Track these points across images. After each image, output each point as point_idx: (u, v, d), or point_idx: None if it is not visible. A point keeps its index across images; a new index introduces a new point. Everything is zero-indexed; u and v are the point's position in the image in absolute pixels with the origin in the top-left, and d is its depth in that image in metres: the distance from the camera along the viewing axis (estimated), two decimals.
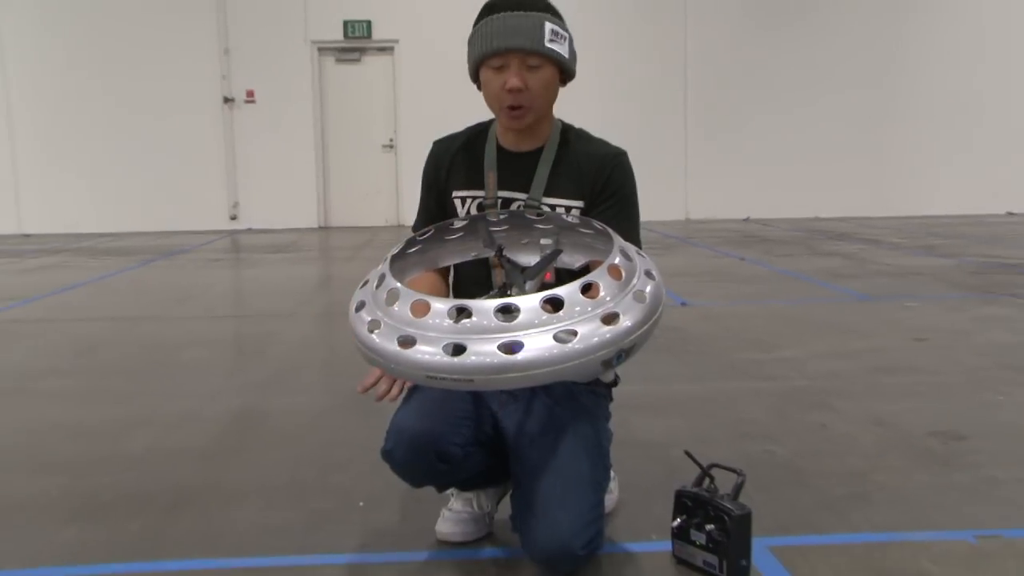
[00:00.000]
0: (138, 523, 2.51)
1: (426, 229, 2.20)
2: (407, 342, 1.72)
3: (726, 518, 2.03)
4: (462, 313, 1.72)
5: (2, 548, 2.37)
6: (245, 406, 3.76)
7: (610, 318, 1.75)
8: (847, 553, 2.24)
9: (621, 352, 1.76)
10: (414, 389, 2.24)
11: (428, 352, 1.70)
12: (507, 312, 1.71)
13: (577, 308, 1.74)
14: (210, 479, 2.86)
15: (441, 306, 1.75)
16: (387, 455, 2.16)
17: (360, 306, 1.86)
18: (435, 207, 2.39)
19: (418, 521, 2.43)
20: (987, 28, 13.48)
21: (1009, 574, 2.12)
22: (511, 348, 1.68)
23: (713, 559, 2.06)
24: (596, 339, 1.73)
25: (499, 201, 2.27)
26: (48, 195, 13.10)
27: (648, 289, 1.83)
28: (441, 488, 2.31)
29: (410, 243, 2.16)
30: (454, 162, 2.35)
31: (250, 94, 13.22)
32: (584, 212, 2.24)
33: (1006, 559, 2.20)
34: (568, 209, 2.24)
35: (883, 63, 13.50)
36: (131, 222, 13.04)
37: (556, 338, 1.70)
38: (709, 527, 2.05)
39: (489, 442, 2.21)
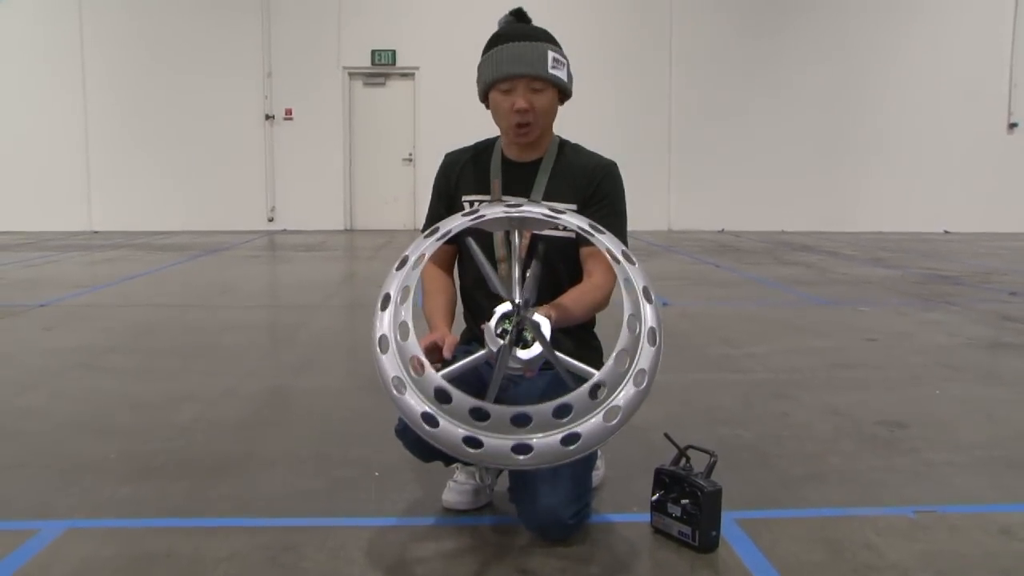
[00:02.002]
0: (183, 484, 2.51)
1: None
2: (432, 421, 1.71)
3: (699, 493, 2.02)
4: (482, 417, 1.70)
5: (71, 502, 2.38)
6: (277, 385, 3.75)
7: (611, 413, 1.74)
8: (804, 526, 2.22)
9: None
10: None
11: (451, 436, 1.70)
12: (520, 423, 1.71)
13: (583, 409, 1.73)
14: (246, 448, 2.86)
15: (463, 402, 1.70)
16: (400, 433, 2.16)
17: (383, 343, 1.76)
18: (444, 212, 2.34)
19: (426, 490, 2.43)
20: (931, 75, 13.48)
21: (942, 544, 2.12)
22: (522, 449, 1.70)
23: (687, 529, 2.05)
24: (596, 437, 1.73)
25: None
26: (115, 197, 13.12)
27: (648, 365, 1.75)
28: (448, 462, 2.29)
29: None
30: (464, 171, 2.34)
31: (288, 112, 13.21)
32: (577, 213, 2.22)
33: (939, 531, 2.19)
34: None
35: (841, 101, 13.50)
36: (182, 222, 13.05)
37: (562, 441, 1.71)
38: (684, 501, 2.04)
39: None
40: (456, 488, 2.31)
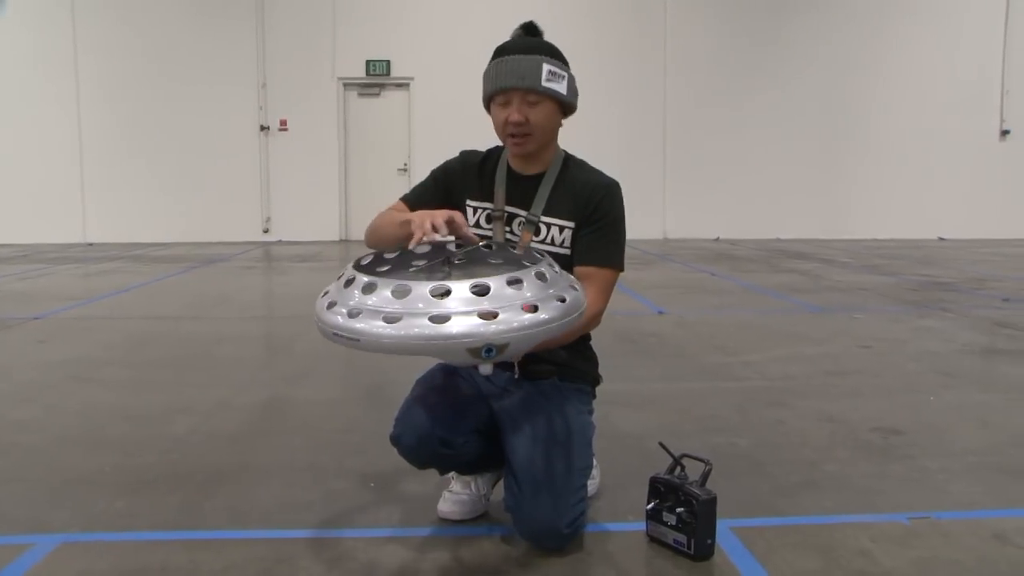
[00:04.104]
0: (178, 497, 2.51)
1: (394, 249, 2.03)
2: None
3: (694, 502, 2.03)
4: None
5: (65, 516, 2.37)
6: (272, 396, 3.75)
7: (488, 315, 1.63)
8: (799, 533, 2.23)
9: (491, 347, 1.62)
10: (419, 381, 2.25)
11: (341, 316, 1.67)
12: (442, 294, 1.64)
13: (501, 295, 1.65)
14: (241, 460, 2.86)
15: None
16: (395, 440, 2.16)
17: (332, 304, 1.73)
18: (435, 197, 2.28)
19: (422, 501, 2.43)
20: (924, 84, 13.57)
21: (936, 550, 2.12)
22: (440, 320, 1.61)
23: (682, 538, 2.05)
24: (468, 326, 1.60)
25: (505, 214, 2.26)
26: (109, 209, 13.10)
27: (549, 315, 1.68)
28: (443, 471, 2.30)
29: (377, 261, 1.98)
30: (471, 174, 2.33)
31: (283, 123, 13.23)
32: (575, 232, 2.23)
33: (934, 537, 2.20)
34: (561, 229, 2.23)
35: (835, 110, 13.59)
36: (177, 233, 13.04)
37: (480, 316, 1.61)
38: (679, 510, 2.05)
39: (486, 431, 2.20)
40: (452, 498, 2.31)
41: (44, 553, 2.12)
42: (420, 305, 1.62)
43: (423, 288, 1.64)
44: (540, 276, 1.74)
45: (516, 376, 2.19)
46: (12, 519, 2.37)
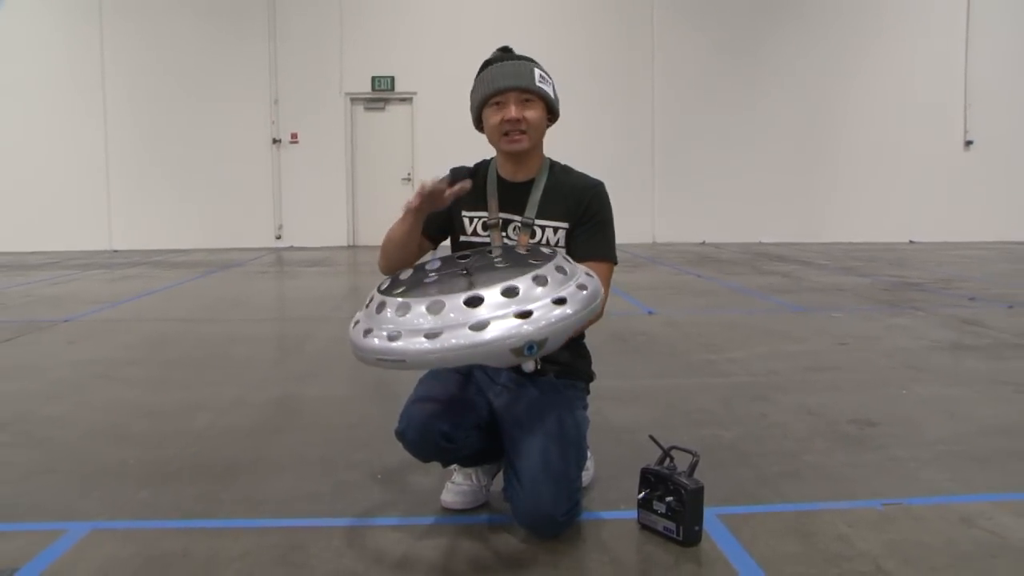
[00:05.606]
0: (197, 488, 2.51)
1: (407, 270, 2.08)
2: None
3: (683, 491, 2.03)
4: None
5: (93, 505, 2.38)
6: (284, 394, 3.75)
7: (524, 314, 1.64)
8: (781, 519, 2.23)
9: (532, 344, 1.64)
10: (423, 380, 2.25)
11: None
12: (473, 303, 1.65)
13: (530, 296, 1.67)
14: (255, 454, 2.86)
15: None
16: (399, 435, 2.16)
17: (367, 332, 1.72)
18: (436, 217, 2.28)
19: (426, 491, 2.43)
20: (895, 98, 13.60)
21: (908, 533, 2.13)
22: (479, 327, 1.62)
23: (672, 525, 2.05)
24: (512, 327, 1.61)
25: (500, 220, 2.27)
26: (133, 218, 13.08)
27: (582, 292, 1.71)
28: (445, 463, 2.31)
29: (395, 283, 1.97)
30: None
31: (294, 136, 13.23)
32: (569, 232, 2.25)
33: (905, 521, 2.21)
34: (555, 230, 2.25)
35: (812, 121, 13.61)
36: (196, 240, 13.03)
37: (518, 315, 1.63)
38: (668, 499, 2.05)
39: (486, 426, 2.21)
40: (454, 489, 2.31)
41: (76, 539, 2.13)
42: (456, 316, 1.62)
43: (456, 300, 1.64)
44: (560, 270, 1.74)
45: (538, 368, 2.19)
46: (46, 508, 2.37)
